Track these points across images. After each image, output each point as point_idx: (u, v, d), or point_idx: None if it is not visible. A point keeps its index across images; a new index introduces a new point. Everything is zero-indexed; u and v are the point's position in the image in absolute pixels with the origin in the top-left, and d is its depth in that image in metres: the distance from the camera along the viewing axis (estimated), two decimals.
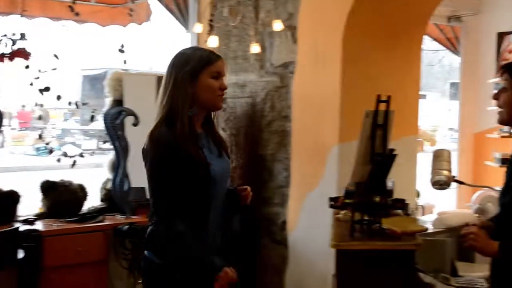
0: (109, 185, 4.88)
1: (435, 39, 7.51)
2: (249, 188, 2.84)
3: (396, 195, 3.25)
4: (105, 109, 4.85)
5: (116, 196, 4.79)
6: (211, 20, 5.26)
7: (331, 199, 3.03)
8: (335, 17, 4.56)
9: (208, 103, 2.66)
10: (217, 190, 2.67)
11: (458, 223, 5.15)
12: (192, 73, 2.59)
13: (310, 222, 4.75)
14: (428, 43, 7.66)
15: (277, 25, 4.89)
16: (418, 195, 5.74)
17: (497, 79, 4.66)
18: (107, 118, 4.74)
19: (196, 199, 2.59)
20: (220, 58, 2.70)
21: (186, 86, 2.58)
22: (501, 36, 6.58)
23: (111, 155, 4.89)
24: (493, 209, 5.33)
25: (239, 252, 2.90)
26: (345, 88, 4.54)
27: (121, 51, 4.94)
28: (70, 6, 4.79)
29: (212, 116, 2.77)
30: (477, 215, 5.55)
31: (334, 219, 3.05)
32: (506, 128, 5.58)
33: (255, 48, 4.95)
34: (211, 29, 5.23)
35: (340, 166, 4.51)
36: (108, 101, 4.88)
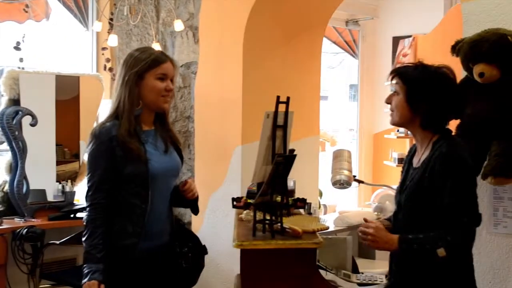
0: (7, 188, 4.71)
1: (334, 42, 7.67)
2: (189, 181, 2.89)
3: (299, 194, 3.31)
4: (0, 108, 4.68)
5: (14, 199, 4.63)
6: (111, 19, 5.19)
7: (234, 199, 3.05)
8: (236, 19, 4.58)
9: (152, 103, 2.76)
10: (158, 186, 2.74)
11: (358, 221, 5.28)
12: (138, 74, 2.70)
13: (214, 222, 4.75)
14: (328, 46, 7.81)
15: (178, 25, 4.87)
16: (320, 194, 5.84)
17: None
18: (3, 118, 4.58)
19: (132, 193, 2.69)
20: (167, 60, 2.78)
21: (132, 86, 2.69)
22: (396, 40, 6.81)
23: (8, 156, 4.73)
24: (391, 207, 5.51)
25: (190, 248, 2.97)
26: (247, 89, 4.57)
27: (17, 48, 4.78)
28: None
29: (166, 114, 2.87)
30: (376, 213, 5.71)
31: (237, 219, 3.06)
32: (402, 129, 5.76)
33: (156, 48, 4.91)
34: (111, 28, 5.16)
35: (243, 166, 4.54)
36: (3, 101, 4.72)
